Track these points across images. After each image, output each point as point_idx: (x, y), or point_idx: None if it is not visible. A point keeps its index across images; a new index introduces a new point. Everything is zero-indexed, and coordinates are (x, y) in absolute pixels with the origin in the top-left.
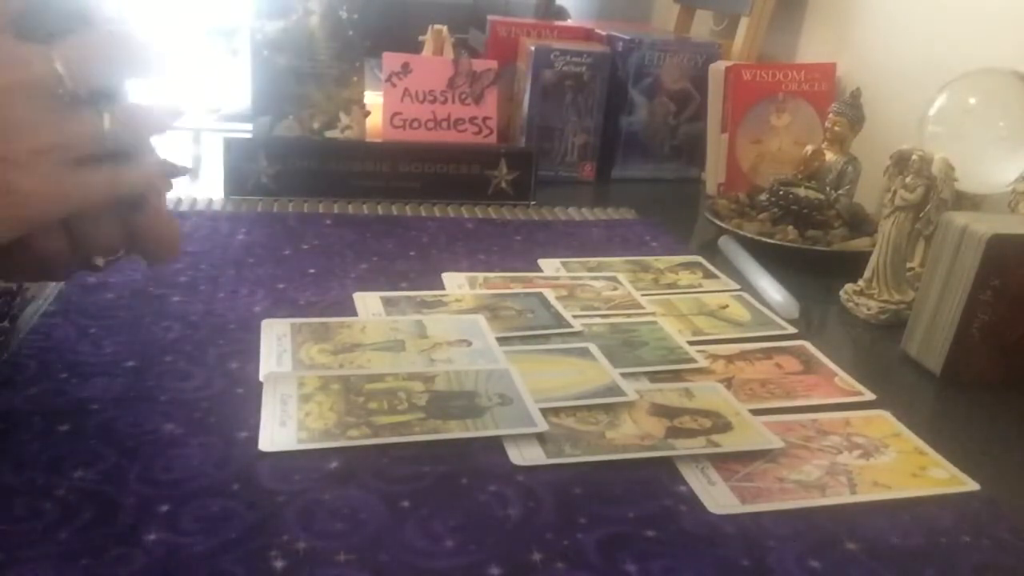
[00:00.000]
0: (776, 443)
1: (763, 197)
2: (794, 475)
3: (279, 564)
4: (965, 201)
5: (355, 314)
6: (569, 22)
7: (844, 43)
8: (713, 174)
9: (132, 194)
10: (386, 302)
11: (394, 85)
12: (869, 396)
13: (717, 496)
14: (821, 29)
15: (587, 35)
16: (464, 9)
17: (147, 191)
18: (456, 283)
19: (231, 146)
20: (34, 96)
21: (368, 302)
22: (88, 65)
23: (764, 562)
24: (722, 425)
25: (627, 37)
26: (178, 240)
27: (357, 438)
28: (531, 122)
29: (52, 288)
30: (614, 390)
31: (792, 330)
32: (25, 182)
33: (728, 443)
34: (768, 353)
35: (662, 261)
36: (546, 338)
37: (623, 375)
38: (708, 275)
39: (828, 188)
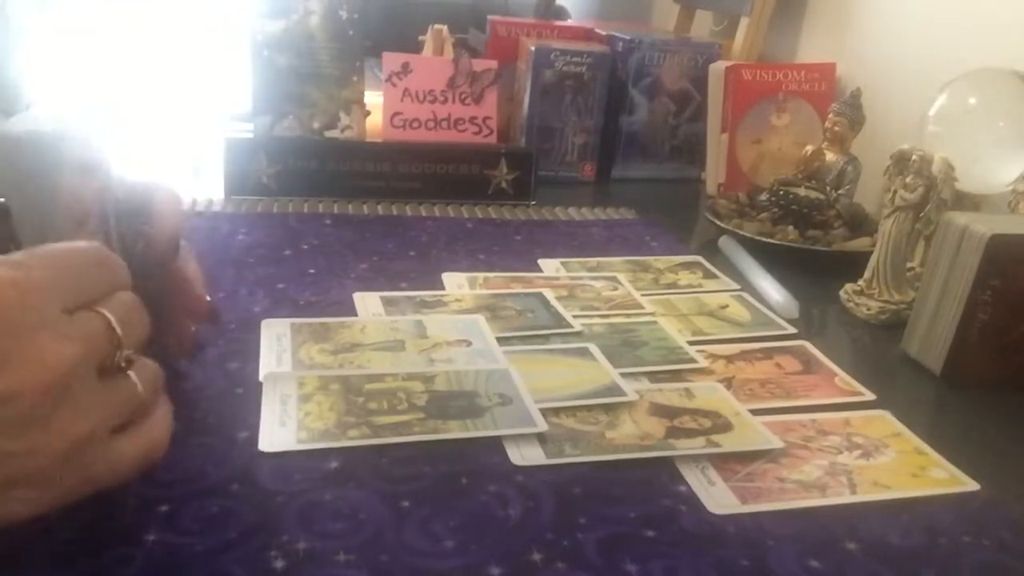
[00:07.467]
0: (776, 443)
1: (763, 197)
2: (794, 475)
3: (279, 564)
4: (965, 201)
5: (355, 314)
6: (569, 22)
7: (844, 43)
8: (713, 174)
9: (161, 452)
10: (386, 302)
11: (394, 85)
12: (869, 396)
13: (717, 496)
14: (821, 29)
15: (587, 35)
16: (464, 9)
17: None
18: (456, 283)
19: (231, 146)
20: (90, 369)
21: (368, 302)
22: (138, 321)
23: (764, 562)
24: (722, 425)
25: (627, 37)
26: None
27: (357, 438)
28: (531, 122)
29: None
30: (614, 390)
31: (792, 330)
32: (57, 475)
33: (728, 443)
34: (768, 353)
35: (662, 261)
36: (546, 338)
37: (623, 375)
38: (708, 275)
39: (828, 188)
